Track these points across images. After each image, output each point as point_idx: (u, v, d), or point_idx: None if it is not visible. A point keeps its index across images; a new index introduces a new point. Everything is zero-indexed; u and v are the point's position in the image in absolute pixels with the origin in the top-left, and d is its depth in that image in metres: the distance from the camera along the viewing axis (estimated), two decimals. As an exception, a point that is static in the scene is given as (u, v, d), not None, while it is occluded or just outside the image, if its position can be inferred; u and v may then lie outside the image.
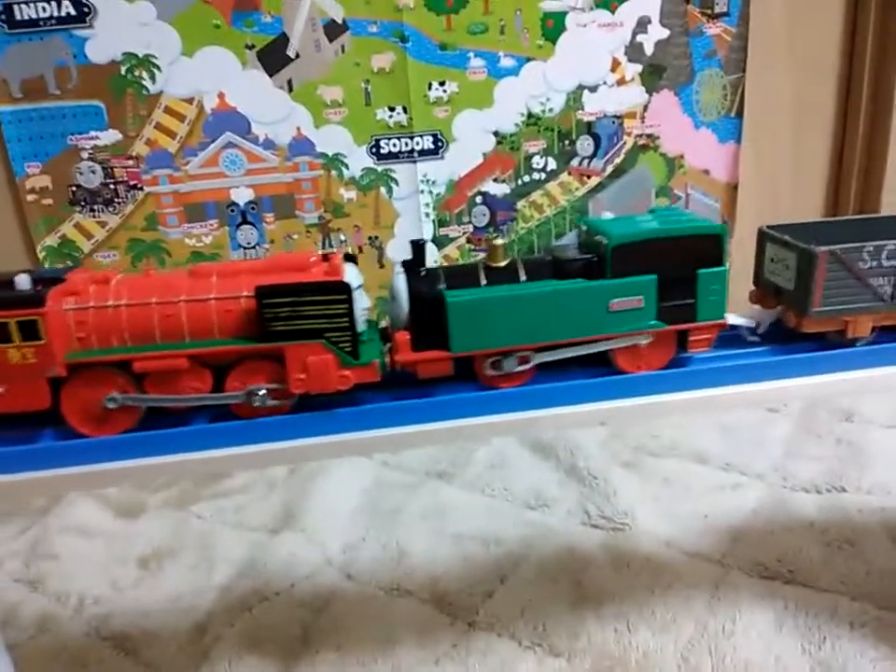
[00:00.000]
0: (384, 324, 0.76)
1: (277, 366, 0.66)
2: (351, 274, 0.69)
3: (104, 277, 0.66)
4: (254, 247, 1.65)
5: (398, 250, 1.72)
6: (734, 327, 0.80)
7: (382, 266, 1.73)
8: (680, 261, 0.71)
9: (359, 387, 0.68)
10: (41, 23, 1.43)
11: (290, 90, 1.56)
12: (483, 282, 0.71)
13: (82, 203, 1.53)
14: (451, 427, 0.70)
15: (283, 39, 1.53)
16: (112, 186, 1.53)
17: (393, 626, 1.04)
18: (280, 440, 0.67)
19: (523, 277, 0.72)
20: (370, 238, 1.70)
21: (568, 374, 0.74)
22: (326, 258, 0.70)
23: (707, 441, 1.40)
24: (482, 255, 1.78)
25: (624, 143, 1.74)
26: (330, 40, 1.55)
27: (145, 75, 1.48)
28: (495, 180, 1.72)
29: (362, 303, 0.69)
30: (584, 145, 1.72)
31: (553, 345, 0.72)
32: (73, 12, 1.43)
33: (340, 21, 1.54)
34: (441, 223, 1.72)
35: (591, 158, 1.74)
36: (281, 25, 1.52)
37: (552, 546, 1.17)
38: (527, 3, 1.60)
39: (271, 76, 1.54)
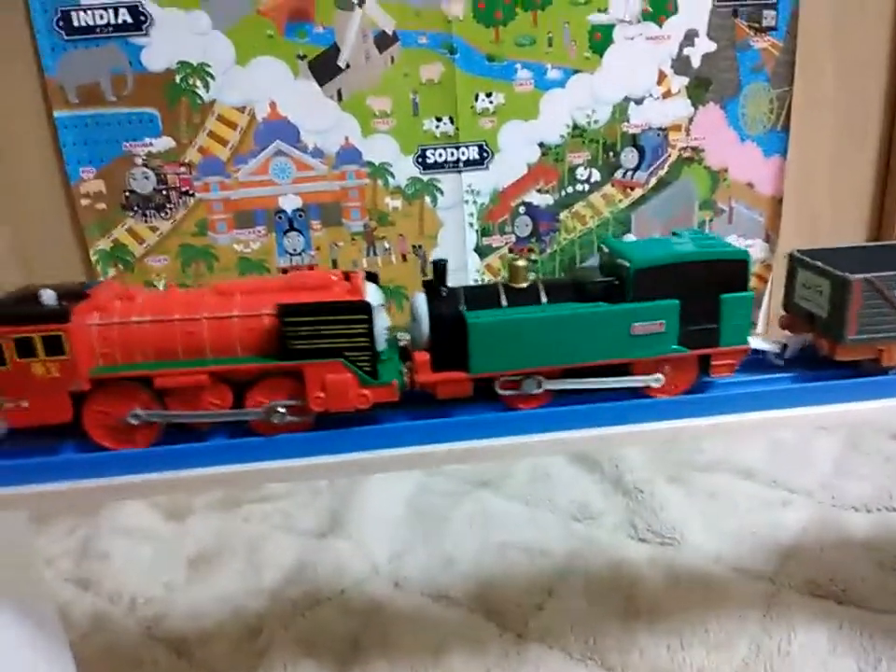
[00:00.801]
0: (403, 343, 0.76)
1: (297, 383, 0.66)
2: (372, 294, 0.69)
3: (127, 293, 0.67)
4: (300, 254, 1.66)
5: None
6: (760, 351, 0.79)
7: (425, 275, 1.74)
8: (704, 286, 0.71)
9: (379, 406, 0.68)
10: (98, 30, 1.46)
11: (340, 99, 1.58)
12: (504, 303, 0.71)
13: (135, 209, 1.56)
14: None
15: (334, 50, 1.55)
16: (164, 192, 1.56)
17: (443, 635, 1.04)
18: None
19: (544, 299, 0.71)
20: (413, 247, 1.71)
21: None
22: (347, 276, 0.70)
23: (752, 458, 1.39)
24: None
25: (669, 155, 1.74)
26: (381, 51, 1.57)
27: (199, 83, 1.51)
28: (538, 191, 1.72)
29: (382, 323, 0.69)
30: (629, 157, 1.72)
31: (573, 369, 0.71)
32: (129, 20, 1.46)
33: (390, 33, 1.56)
34: (483, 233, 1.73)
35: (635, 170, 1.74)
36: (333, 36, 1.54)
37: (599, 559, 1.17)
38: (575, 16, 1.61)
39: (321, 85, 1.56)
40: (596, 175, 1.72)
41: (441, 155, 1.65)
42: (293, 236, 1.65)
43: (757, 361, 0.79)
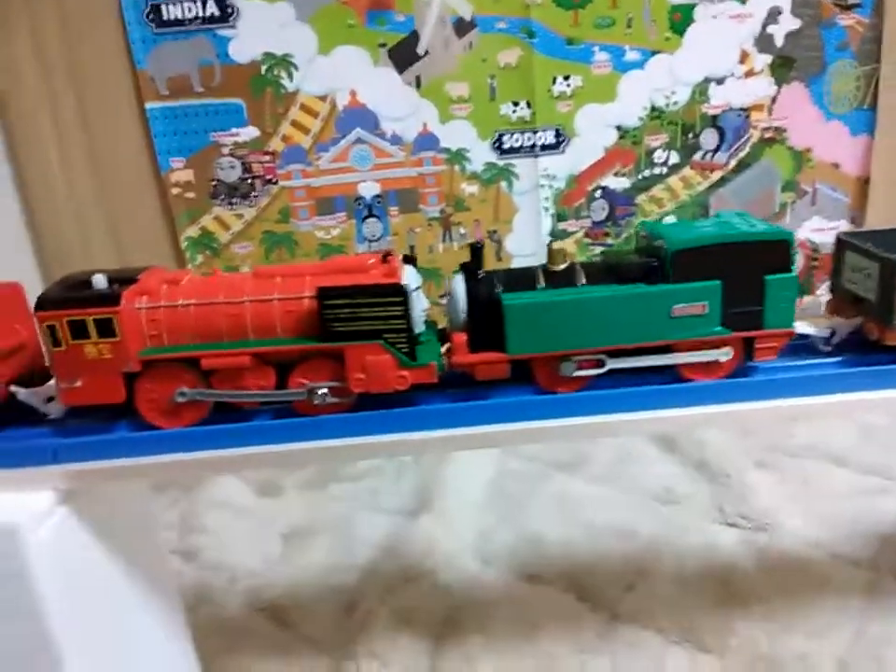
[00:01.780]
0: (442, 325, 0.76)
1: (338, 365, 0.67)
2: (409, 276, 0.69)
3: (174, 277, 0.69)
4: (378, 240, 1.69)
5: (516, 244, 1.74)
6: (805, 336, 0.77)
7: (500, 260, 1.75)
8: (746, 267, 0.69)
9: (418, 387, 0.69)
10: (187, 23, 1.50)
11: (418, 86, 1.59)
12: (541, 285, 0.70)
13: (221, 197, 1.61)
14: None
15: (413, 37, 1.56)
16: (249, 180, 1.60)
17: (536, 614, 1.06)
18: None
19: (581, 281, 0.70)
20: (489, 232, 1.72)
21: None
22: (385, 259, 0.71)
23: (844, 443, 1.37)
24: (599, 250, 1.78)
25: (750, 136, 1.70)
26: (459, 37, 1.57)
27: (283, 74, 1.54)
28: (615, 174, 1.71)
29: (420, 305, 0.70)
30: (708, 138, 1.69)
31: (619, 350, 0.70)
32: (217, 13, 1.50)
33: (469, 19, 1.56)
34: (559, 217, 1.73)
35: (714, 151, 1.71)
36: (412, 24, 1.55)
37: (688, 542, 1.17)
38: (656, -5, 1.58)
39: (400, 73, 1.58)
40: (675, 158, 1.70)
41: (517, 140, 1.65)
42: (372, 222, 1.67)
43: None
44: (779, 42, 1.64)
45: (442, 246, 1.72)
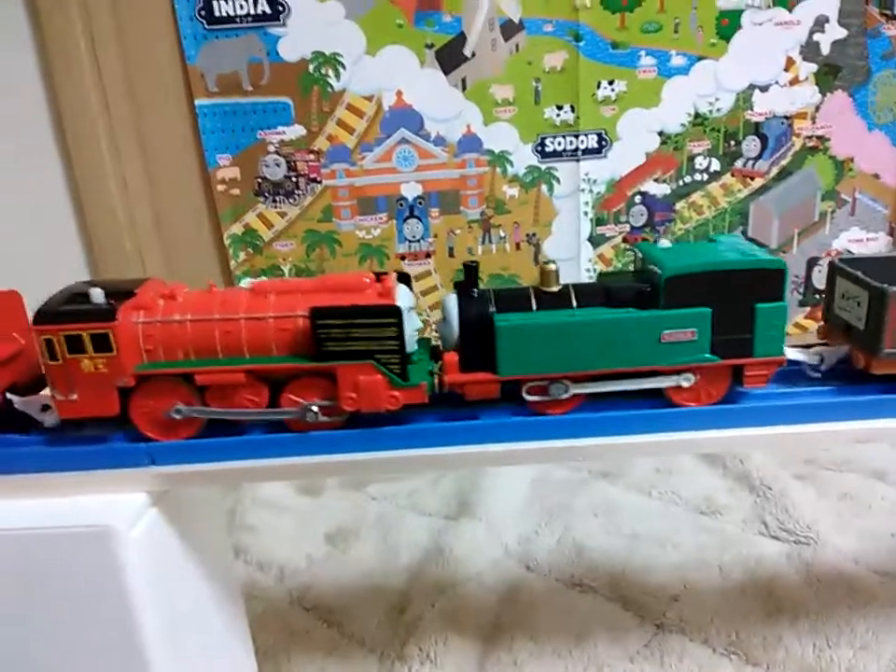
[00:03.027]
0: (435, 342, 0.77)
1: (330, 383, 0.68)
2: (403, 297, 0.70)
3: (171, 292, 0.69)
4: (419, 241, 1.70)
5: (554, 248, 1.74)
6: (795, 362, 0.77)
7: (537, 263, 1.75)
8: (738, 295, 0.69)
9: (409, 406, 0.70)
10: (238, 20, 1.51)
11: (464, 88, 1.60)
12: (534, 307, 0.71)
13: (266, 195, 1.62)
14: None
15: (461, 39, 1.56)
16: (294, 179, 1.61)
17: (582, 621, 1.07)
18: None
19: (574, 304, 0.71)
20: (527, 235, 1.73)
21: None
22: (379, 278, 0.71)
23: (881, 458, 1.37)
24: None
25: (792, 144, 1.70)
26: (506, 39, 1.57)
27: (331, 73, 1.55)
28: (655, 180, 1.71)
29: (413, 325, 0.70)
30: (750, 145, 1.69)
31: (601, 375, 0.71)
32: (268, 10, 1.50)
33: (517, 21, 1.56)
34: (598, 222, 1.73)
35: (756, 159, 1.71)
36: (460, 25, 1.55)
37: (732, 554, 1.18)
38: (703, 1, 1.58)
39: (446, 74, 1.58)
40: (716, 165, 1.70)
41: (559, 143, 1.66)
42: (413, 223, 1.68)
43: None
44: (825, 50, 1.63)
45: (482, 249, 1.73)
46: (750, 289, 0.69)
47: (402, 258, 1.71)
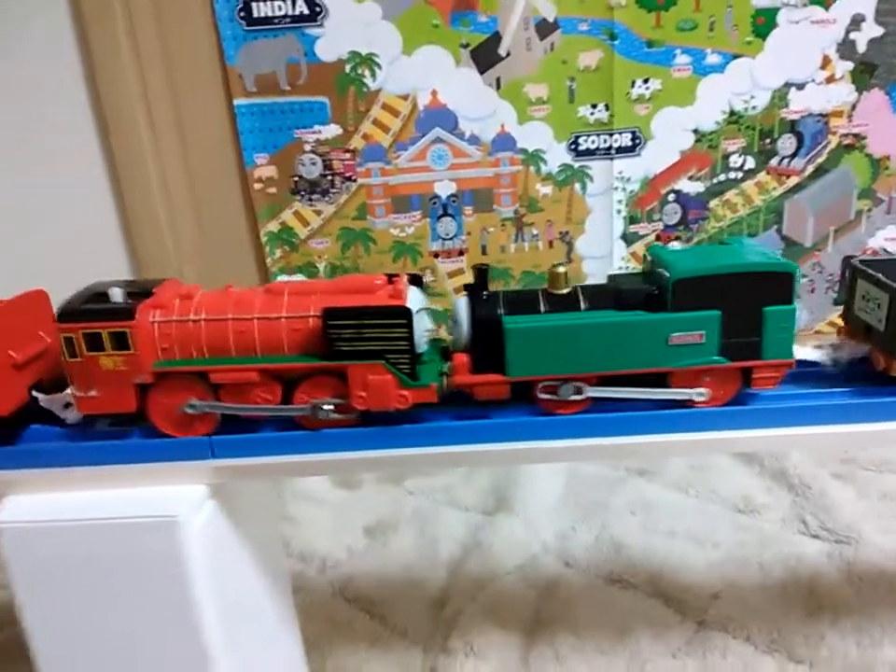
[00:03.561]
0: (445, 343, 0.78)
1: (341, 382, 0.69)
2: (414, 298, 0.71)
3: (187, 292, 0.71)
4: (452, 239, 1.71)
5: (587, 246, 1.75)
6: (809, 363, 0.77)
7: (570, 261, 1.76)
8: (746, 298, 0.69)
9: (420, 405, 0.71)
10: (276, 21, 1.53)
11: (498, 87, 1.60)
12: (543, 309, 0.72)
13: (302, 193, 1.64)
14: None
15: (496, 38, 1.57)
16: (329, 177, 1.63)
17: (623, 617, 1.08)
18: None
19: (583, 306, 0.72)
20: (560, 233, 1.73)
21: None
22: (391, 280, 0.73)
23: (921, 457, 1.36)
24: (669, 253, 1.78)
25: (828, 142, 1.69)
26: (541, 38, 1.58)
27: (367, 73, 1.56)
28: (689, 178, 1.71)
29: (423, 325, 0.71)
30: (786, 143, 1.68)
31: (611, 376, 0.71)
32: (306, 11, 1.52)
33: (552, 20, 1.57)
34: (631, 220, 1.73)
35: (791, 157, 1.70)
36: (495, 25, 1.56)
37: (772, 552, 1.18)
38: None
39: (481, 73, 1.59)
40: (751, 163, 1.69)
41: (593, 142, 1.66)
42: (446, 221, 1.69)
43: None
44: (861, 48, 1.62)
45: (514, 247, 1.73)
46: (759, 292, 0.69)
47: (435, 255, 1.72)
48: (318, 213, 1.65)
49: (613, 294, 0.73)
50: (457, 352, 0.72)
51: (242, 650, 0.73)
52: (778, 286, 0.70)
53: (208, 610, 0.67)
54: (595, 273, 1.77)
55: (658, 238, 1.75)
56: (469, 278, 1.75)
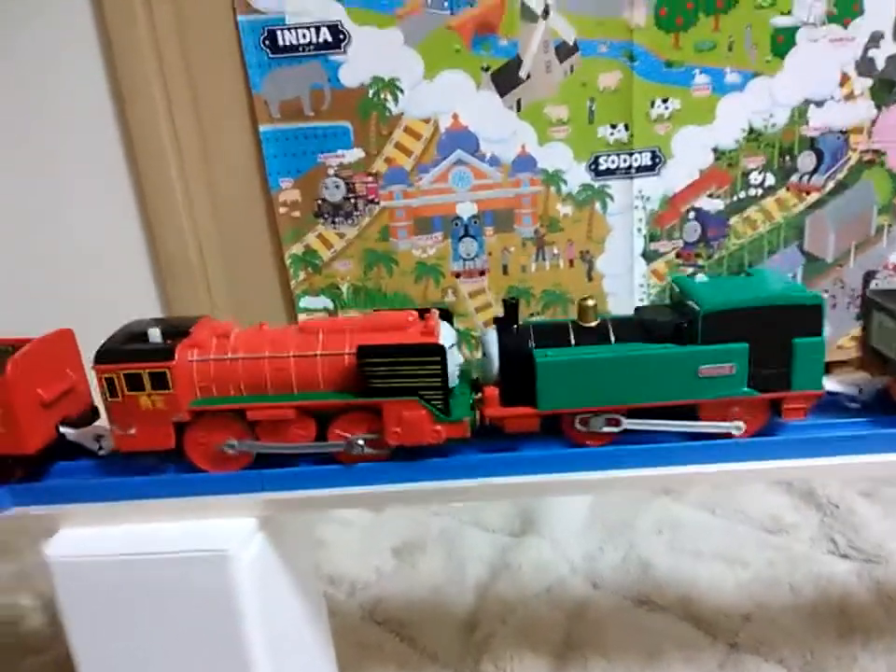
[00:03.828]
0: (475, 375, 0.78)
1: (375, 417, 0.70)
2: (446, 334, 0.72)
3: (224, 331, 0.72)
4: (473, 259, 1.73)
5: (608, 264, 1.76)
6: (834, 393, 0.78)
7: (591, 280, 1.77)
8: (775, 330, 0.70)
9: (451, 438, 0.72)
10: (300, 49, 1.55)
11: (519, 109, 1.62)
12: (573, 342, 0.72)
13: (325, 216, 1.66)
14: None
15: (516, 61, 1.59)
16: (352, 200, 1.65)
17: (653, 639, 1.08)
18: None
19: (612, 339, 0.72)
20: (581, 252, 1.74)
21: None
22: (422, 316, 0.74)
23: (950, 476, 1.35)
24: (690, 270, 1.78)
25: (848, 158, 1.69)
26: (561, 61, 1.60)
27: (389, 97, 1.59)
28: (709, 196, 1.72)
29: (455, 360, 0.72)
30: (806, 160, 1.69)
31: (642, 409, 0.72)
32: (329, 39, 1.55)
33: (571, 43, 1.59)
34: (651, 238, 1.74)
35: (812, 174, 1.70)
36: (516, 48, 1.58)
37: (802, 573, 1.17)
38: (758, 19, 1.59)
39: (502, 96, 1.61)
40: (770, 180, 1.70)
41: (613, 162, 1.67)
42: (468, 242, 1.71)
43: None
44: (880, 65, 1.63)
45: (535, 266, 1.75)
46: (788, 325, 0.70)
47: (457, 276, 1.74)
48: (341, 235, 1.68)
49: (642, 326, 0.74)
50: (487, 384, 0.73)
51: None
52: (807, 317, 0.71)
53: (257, 643, 0.69)
54: (615, 291, 1.78)
55: (678, 256, 1.76)
56: (489, 298, 1.76)
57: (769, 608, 1.11)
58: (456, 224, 1.69)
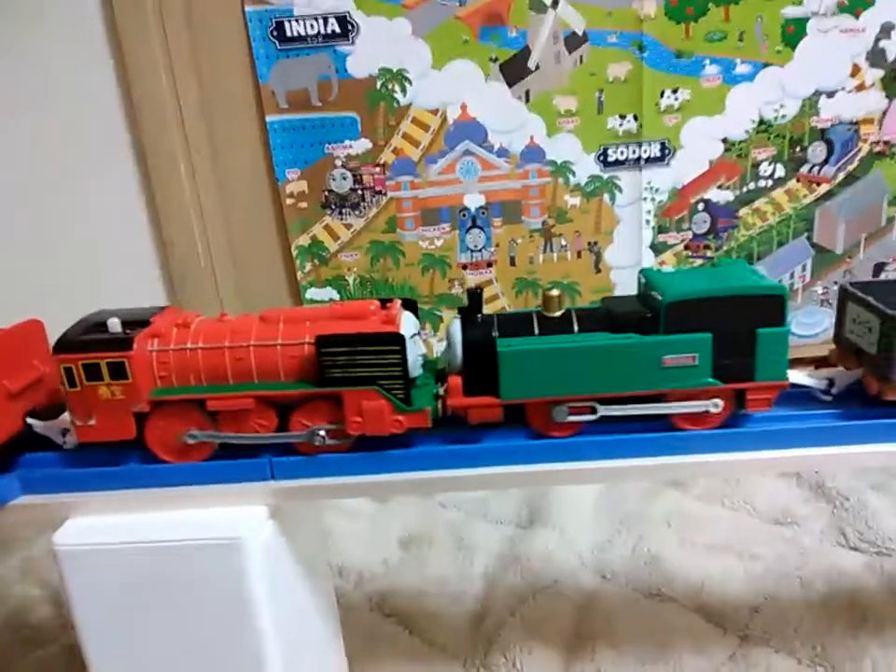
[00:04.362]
0: (441, 365, 0.78)
1: (337, 407, 0.70)
2: (407, 323, 0.71)
3: (184, 321, 0.72)
4: (480, 250, 1.72)
5: (616, 256, 1.75)
6: (802, 386, 0.77)
7: (598, 271, 1.76)
8: (739, 320, 0.69)
9: (414, 429, 0.71)
10: (308, 40, 1.55)
11: (527, 100, 1.61)
12: (537, 332, 0.72)
13: (332, 207, 1.65)
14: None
15: (525, 52, 1.58)
16: (360, 191, 1.64)
17: (663, 631, 1.07)
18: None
19: (576, 329, 0.72)
20: (589, 243, 1.74)
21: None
22: (384, 305, 0.73)
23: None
24: (699, 262, 1.77)
25: (859, 149, 1.68)
26: (570, 51, 1.59)
27: (397, 88, 1.58)
28: (719, 187, 1.71)
29: (416, 350, 0.71)
30: (816, 151, 1.68)
31: (610, 398, 0.71)
32: (337, 29, 1.54)
33: (580, 33, 1.57)
34: (660, 230, 1.73)
35: (822, 165, 1.69)
36: (525, 39, 1.57)
37: (812, 565, 1.17)
38: (769, 9, 1.57)
39: (510, 87, 1.60)
40: (780, 171, 1.69)
41: (622, 153, 1.66)
42: (475, 233, 1.70)
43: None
44: (891, 56, 1.62)
45: (543, 257, 1.74)
46: (751, 315, 0.70)
47: (464, 267, 1.73)
48: (348, 226, 1.67)
49: (606, 317, 0.73)
50: (452, 374, 0.73)
51: (296, 665, 0.74)
52: (770, 308, 0.70)
53: (268, 631, 0.68)
54: (623, 283, 1.77)
55: (687, 248, 1.75)
56: (497, 289, 1.76)
57: (779, 600, 1.11)
58: (464, 215, 1.68)
